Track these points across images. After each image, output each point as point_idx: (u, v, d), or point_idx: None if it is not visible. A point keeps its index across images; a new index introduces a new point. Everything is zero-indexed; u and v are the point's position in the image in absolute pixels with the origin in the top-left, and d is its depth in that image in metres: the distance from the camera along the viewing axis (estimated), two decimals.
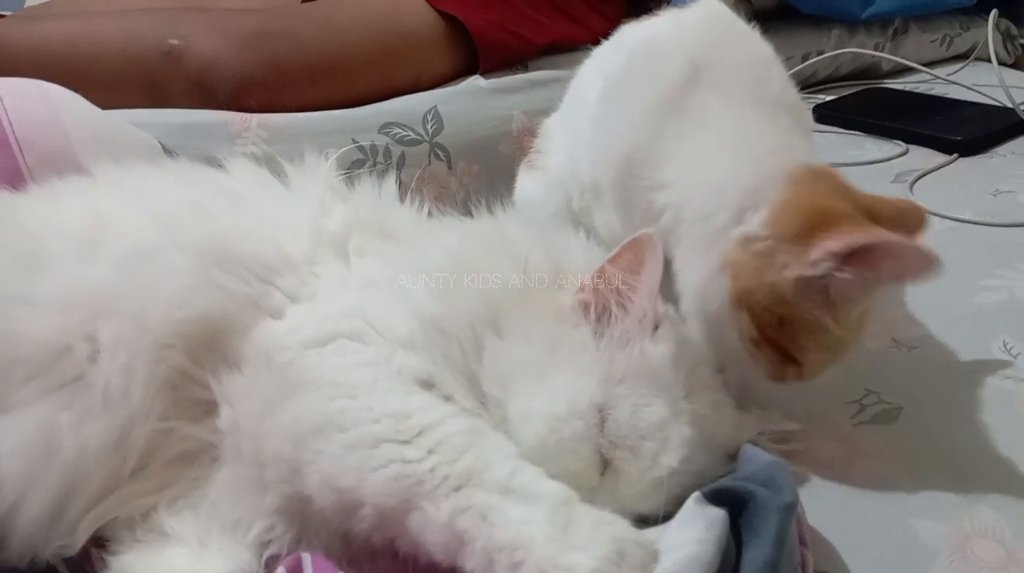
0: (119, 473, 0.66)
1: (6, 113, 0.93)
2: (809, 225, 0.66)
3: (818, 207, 0.67)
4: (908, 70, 1.67)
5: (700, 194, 0.71)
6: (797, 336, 0.68)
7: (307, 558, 0.62)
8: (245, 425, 0.65)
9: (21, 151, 0.92)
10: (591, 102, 0.84)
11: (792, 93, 0.81)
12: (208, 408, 0.68)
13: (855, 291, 0.66)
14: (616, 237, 0.78)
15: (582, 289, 0.69)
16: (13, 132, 0.92)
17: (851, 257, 0.64)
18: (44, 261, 0.69)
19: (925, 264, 0.63)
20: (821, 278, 0.65)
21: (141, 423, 0.66)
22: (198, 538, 0.66)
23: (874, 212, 0.68)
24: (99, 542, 0.68)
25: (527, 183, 0.98)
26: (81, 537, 0.66)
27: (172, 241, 0.70)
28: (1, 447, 0.63)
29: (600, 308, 0.68)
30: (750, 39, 0.82)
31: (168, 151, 1.00)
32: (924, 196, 1.18)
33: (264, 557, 0.65)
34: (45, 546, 0.65)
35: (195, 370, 0.68)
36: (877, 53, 1.70)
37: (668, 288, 0.73)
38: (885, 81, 1.70)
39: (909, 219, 0.70)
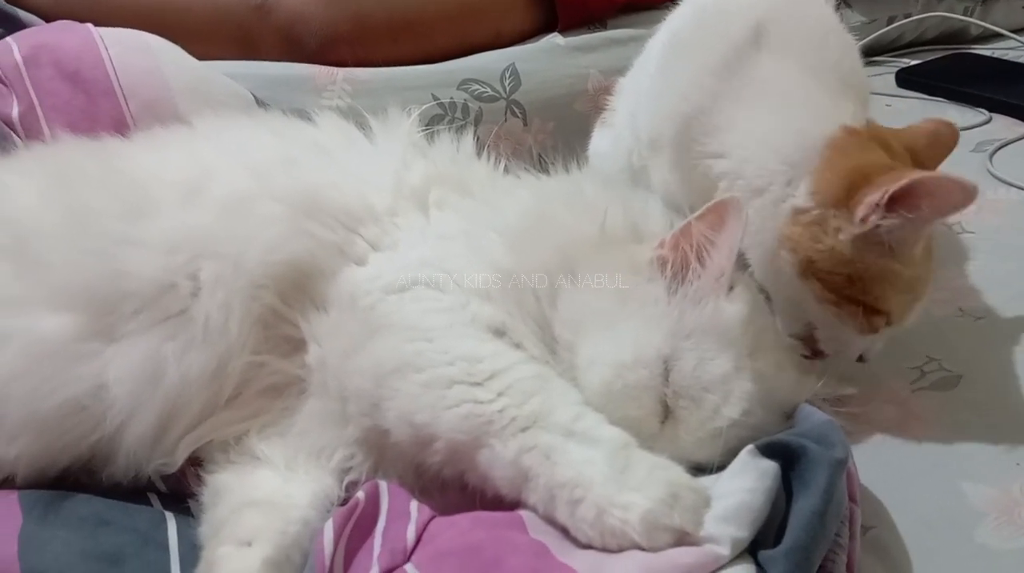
0: (216, 400, 0.72)
1: (111, 62, 0.99)
2: (848, 186, 0.68)
3: (853, 167, 0.69)
4: (997, 36, 1.62)
5: (751, 167, 0.73)
6: (871, 288, 0.70)
7: (384, 485, 0.67)
8: (331, 362, 0.70)
9: (125, 99, 0.98)
10: (653, 60, 0.86)
11: (851, 62, 0.80)
12: (297, 345, 0.73)
13: (908, 232, 0.69)
14: (672, 196, 0.80)
15: (661, 245, 0.71)
16: (118, 80, 0.98)
17: (894, 202, 0.66)
18: (151, 206, 0.74)
19: (962, 192, 0.66)
20: (875, 230, 0.67)
21: (237, 356, 0.72)
22: (286, 462, 0.72)
23: (911, 145, 0.71)
24: (195, 462, 0.74)
25: (599, 139, 1.01)
26: (180, 457, 0.72)
27: (267, 191, 0.75)
28: (112, 372, 0.70)
29: (679, 264, 0.70)
30: (816, 4, 0.82)
31: (260, 102, 1.05)
32: (1004, 166, 1.16)
33: (344, 482, 0.71)
34: (147, 463, 0.72)
35: (285, 310, 0.73)
36: (965, 18, 1.65)
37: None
38: (973, 47, 1.64)
39: (944, 138, 0.73)
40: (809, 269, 0.70)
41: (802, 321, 0.74)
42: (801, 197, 0.70)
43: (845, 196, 0.68)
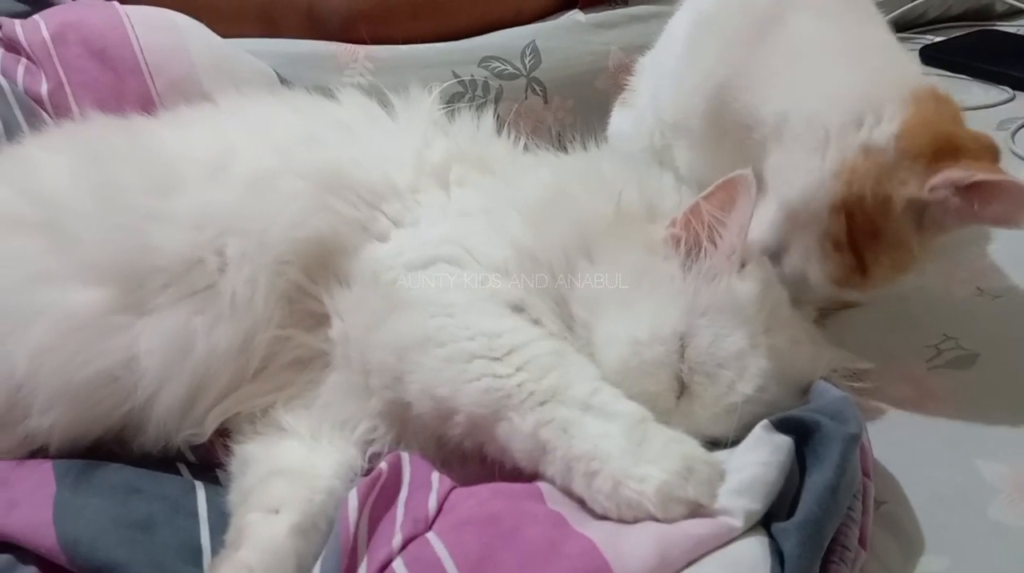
0: (243, 373, 0.74)
1: (137, 40, 1.01)
2: (936, 149, 0.68)
3: (947, 134, 0.69)
4: (1023, 13, 1.60)
5: (811, 100, 0.72)
6: (882, 249, 0.71)
7: (406, 457, 0.68)
8: (354, 336, 0.72)
9: (151, 76, 1.00)
10: (678, 39, 0.86)
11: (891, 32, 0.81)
12: (320, 320, 0.75)
13: (954, 222, 0.69)
14: (697, 174, 0.81)
15: (673, 224, 0.72)
16: (144, 58, 1.00)
17: (970, 190, 0.67)
18: (178, 183, 0.76)
19: None
20: (928, 202, 0.68)
21: (263, 330, 0.73)
22: (311, 433, 0.74)
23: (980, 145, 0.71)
24: (222, 433, 0.76)
25: (620, 119, 1.01)
26: (209, 427, 0.74)
27: (291, 169, 0.76)
28: (143, 345, 0.72)
29: (691, 242, 0.71)
30: None
31: (283, 80, 1.06)
32: None
33: (367, 454, 0.73)
34: (177, 433, 0.74)
35: (310, 285, 0.75)
36: None
37: None
38: (998, 23, 1.63)
39: (987, 151, 0.71)
40: (852, 206, 0.70)
41: (782, 241, 0.74)
42: (880, 137, 0.69)
43: (930, 156, 0.68)
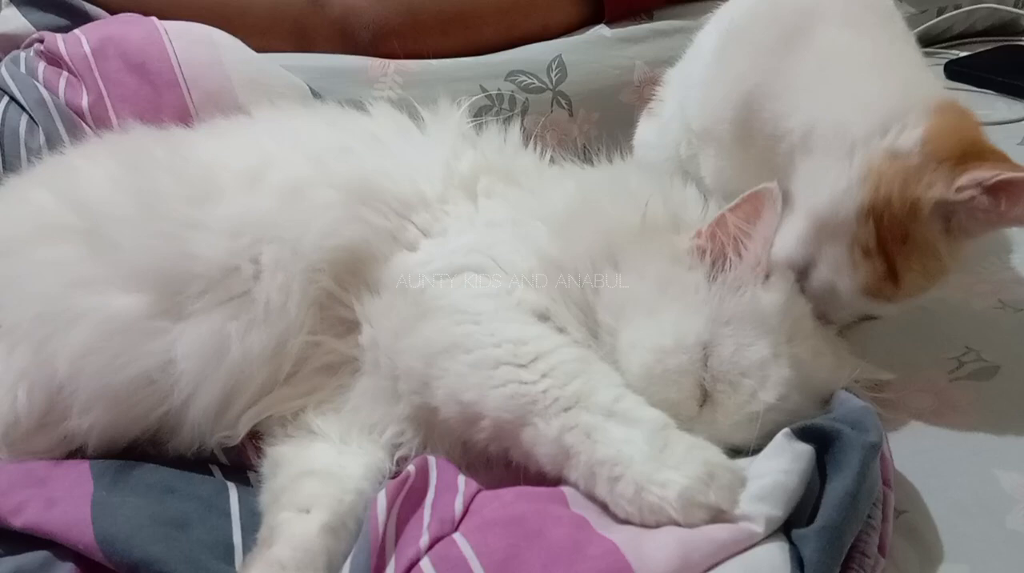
0: (275, 377, 0.76)
1: (175, 54, 1.04)
2: (962, 152, 0.69)
3: (970, 138, 0.71)
4: None
5: (838, 109, 0.74)
6: (912, 255, 0.71)
7: (433, 460, 0.70)
8: (383, 343, 0.74)
9: (188, 90, 1.02)
10: (706, 50, 0.88)
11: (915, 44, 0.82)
12: (351, 326, 0.77)
13: (981, 226, 0.70)
14: (725, 182, 0.82)
15: (699, 235, 0.74)
16: (182, 72, 1.03)
17: (996, 189, 0.68)
18: (215, 192, 0.78)
19: None
20: (955, 204, 0.69)
21: (295, 335, 0.75)
22: (340, 437, 0.75)
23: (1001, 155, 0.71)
24: (254, 436, 0.78)
25: (645, 130, 1.03)
26: (242, 430, 0.76)
27: (324, 179, 0.79)
28: (180, 349, 0.74)
29: (716, 253, 0.72)
30: None
31: (316, 94, 1.08)
32: None
33: (395, 457, 0.75)
34: (211, 436, 0.76)
35: (340, 292, 0.77)
36: (1016, 10, 1.63)
37: None
38: (1023, 39, 1.63)
39: (1011, 162, 0.72)
40: (879, 210, 0.71)
41: (811, 253, 0.74)
42: (907, 141, 0.70)
43: (956, 158, 0.69)
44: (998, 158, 0.69)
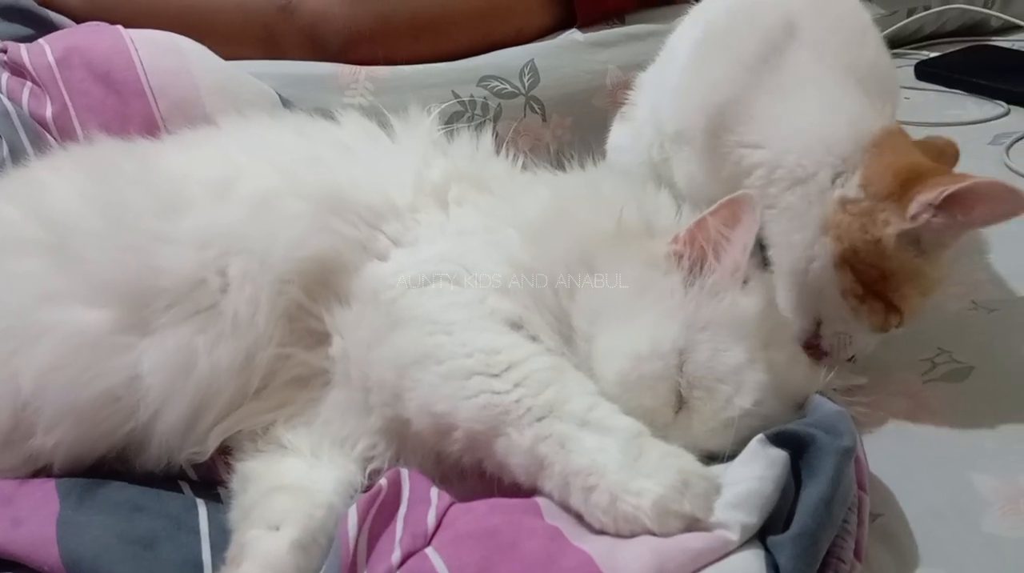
0: (244, 391, 0.75)
1: (141, 63, 1.02)
2: (902, 182, 0.71)
3: (905, 165, 0.72)
4: (1017, 28, 1.62)
5: (792, 157, 0.75)
6: (900, 286, 0.73)
7: (405, 473, 0.69)
8: (354, 354, 0.73)
9: (155, 99, 1.01)
10: (682, 53, 0.88)
11: (885, 58, 0.83)
12: (321, 338, 0.76)
13: (948, 236, 0.72)
14: (697, 188, 0.82)
15: (676, 240, 0.73)
16: (148, 81, 1.01)
17: (947, 204, 0.69)
18: (183, 204, 0.77)
19: (1015, 201, 0.68)
20: (918, 229, 0.70)
21: (264, 348, 0.74)
22: (311, 450, 0.74)
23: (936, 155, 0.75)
24: (224, 451, 0.77)
25: (618, 134, 1.03)
26: (211, 446, 0.75)
27: (293, 189, 0.77)
28: (146, 364, 0.72)
29: (694, 258, 0.72)
30: (849, 2, 0.84)
31: (285, 101, 1.08)
32: (1021, 159, 1.17)
33: (367, 470, 0.74)
34: (179, 452, 0.75)
35: (310, 304, 0.76)
36: (985, 10, 1.65)
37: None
38: (993, 39, 1.64)
39: (948, 156, 0.77)
40: (850, 258, 0.73)
41: (812, 315, 0.76)
42: (851, 189, 0.73)
43: (898, 191, 0.71)
44: (938, 174, 0.71)
